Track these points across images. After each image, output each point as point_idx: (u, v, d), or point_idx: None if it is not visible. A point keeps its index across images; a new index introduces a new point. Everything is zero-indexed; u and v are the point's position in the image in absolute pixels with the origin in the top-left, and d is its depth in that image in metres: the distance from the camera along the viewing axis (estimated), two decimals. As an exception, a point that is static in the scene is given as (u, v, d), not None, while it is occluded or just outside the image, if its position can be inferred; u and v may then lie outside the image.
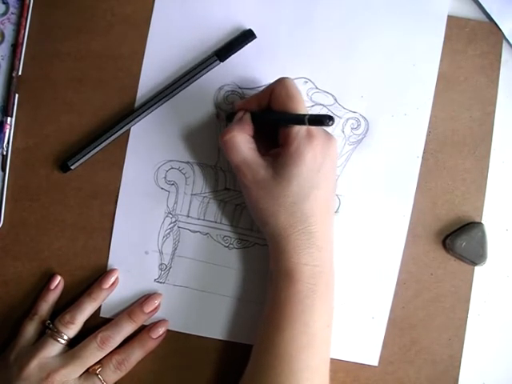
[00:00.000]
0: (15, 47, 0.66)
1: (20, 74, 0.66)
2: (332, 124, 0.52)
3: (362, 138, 0.68)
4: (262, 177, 0.59)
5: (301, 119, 0.55)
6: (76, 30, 0.67)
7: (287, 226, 0.59)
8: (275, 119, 0.60)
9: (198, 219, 0.67)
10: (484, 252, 0.67)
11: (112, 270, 0.67)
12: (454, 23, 0.68)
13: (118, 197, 0.67)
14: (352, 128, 0.68)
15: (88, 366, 0.63)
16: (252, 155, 0.60)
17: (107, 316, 0.67)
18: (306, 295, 0.59)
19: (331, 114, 0.59)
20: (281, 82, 0.60)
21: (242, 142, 0.60)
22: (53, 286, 0.66)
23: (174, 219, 0.67)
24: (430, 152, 0.68)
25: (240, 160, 0.59)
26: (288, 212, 0.58)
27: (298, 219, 0.59)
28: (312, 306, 0.59)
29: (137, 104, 0.67)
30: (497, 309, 0.68)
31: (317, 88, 0.68)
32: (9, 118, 0.66)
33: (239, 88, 0.68)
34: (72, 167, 0.66)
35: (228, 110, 0.67)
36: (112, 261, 0.67)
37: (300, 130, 0.58)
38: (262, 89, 0.64)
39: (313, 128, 0.59)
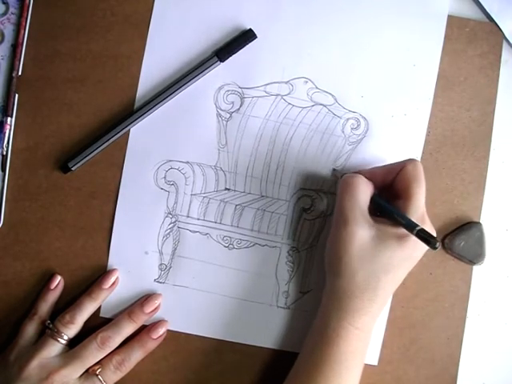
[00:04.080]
0: (15, 47, 0.66)
1: (20, 73, 0.66)
2: (437, 249, 0.55)
3: (362, 138, 0.68)
4: (362, 233, 0.59)
5: (411, 227, 0.57)
6: (76, 30, 0.67)
7: (356, 288, 0.60)
8: (388, 210, 0.61)
9: (198, 219, 0.67)
10: (482, 251, 0.67)
11: (112, 270, 0.67)
12: (454, 23, 0.68)
13: (117, 197, 0.67)
14: (352, 128, 0.68)
15: (88, 367, 0.63)
16: (364, 208, 0.61)
17: (107, 316, 0.67)
18: (346, 358, 0.60)
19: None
20: (413, 162, 0.61)
21: (362, 192, 0.61)
22: (53, 285, 0.66)
23: (173, 219, 0.67)
24: (430, 152, 0.68)
25: (351, 206, 0.60)
26: (365, 276, 0.59)
27: (370, 287, 0.60)
28: (350, 367, 0.60)
29: (136, 104, 0.67)
30: (496, 309, 0.68)
31: (317, 88, 0.68)
32: (9, 118, 0.66)
33: (239, 88, 0.68)
34: (73, 168, 0.66)
35: (228, 110, 0.67)
36: (112, 261, 0.67)
37: (414, 216, 0.59)
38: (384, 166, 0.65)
39: (426, 219, 0.60)
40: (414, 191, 0.60)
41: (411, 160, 0.61)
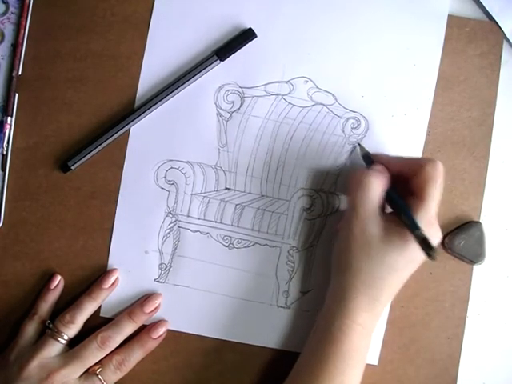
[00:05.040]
0: (15, 47, 0.66)
1: (20, 73, 0.66)
2: (432, 260, 0.55)
3: (362, 138, 0.68)
4: (371, 230, 0.59)
5: (414, 228, 0.57)
6: (76, 29, 0.67)
7: (361, 285, 0.60)
8: (398, 205, 0.61)
9: (198, 219, 0.67)
10: (482, 251, 0.67)
11: (112, 270, 0.67)
12: (454, 23, 0.68)
13: (117, 197, 0.67)
14: (352, 128, 0.68)
15: (88, 366, 0.63)
16: (375, 206, 0.60)
17: (107, 316, 0.67)
18: (350, 356, 0.60)
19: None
20: (435, 163, 0.60)
21: (374, 190, 0.60)
22: (53, 285, 0.66)
23: (174, 219, 0.67)
24: (430, 152, 0.68)
25: (362, 203, 0.60)
26: (371, 274, 0.60)
27: (375, 286, 0.60)
28: (352, 365, 0.60)
29: (136, 104, 0.67)
30: (496, 309, 0.68)
31: (317, 87, 0.68)
32: (9, 118, 0.66)
33: (239, 87, 0.68)
34: (72, 168, 0.66)
35: (228, 110, 0.67)
36: (112, 261, 0.67)
37: (424, 218, 0.59)
38: (395, 158, 0.64)
39: (434, 221, 0.60)
40: (429, 192, 0.59)
41: (432, 160, 0.60)
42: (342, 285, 0.61)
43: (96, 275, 0.67)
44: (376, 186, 0.60)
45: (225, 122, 0.67)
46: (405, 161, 0.63)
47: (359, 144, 0.67)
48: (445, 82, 0.68)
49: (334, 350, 0.60)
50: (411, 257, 0.59)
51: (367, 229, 0.60)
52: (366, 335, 0.61)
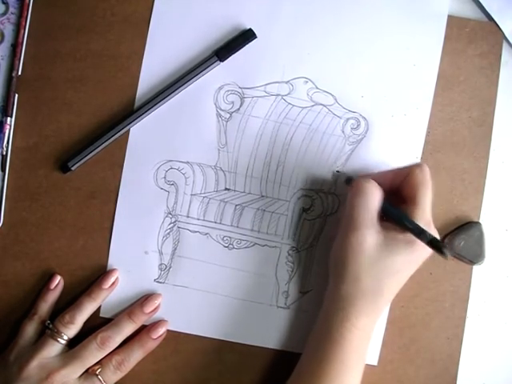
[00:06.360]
0: (15, 47, 0.66)
1: (20, 73, 0.66)
2: (446, 258, 0.54)
3: (362, 138, 0.68)
4: (370, 239, 0.59)
5: (422, 234, 0.57)
6: (76, 30, 0.67)
7: (360, 292, 0.60)
8: (396, 215, 0.60)
9: (198, 219, 0.67)
10: (482, 251, 0.67)
11: (112, 270, 0.67)
12: (454, 23, 0.68)
13: (117, 197, 0.67)
14: (352, 128, 0.68)
15: (88, 367, 0.63)
16: (373, 215, 0.60)
17: (107, 316, 0.67)
18: (349, 358, 0.60)
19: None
20: (423, 166, 0.61)
21: (374, 197, 0.60)
22: (52, 285, 0.66)
23: (173, 219, 0.67)
24: (429, 152, 0.68)
25: (362, 211, 0.60)
26: (369, 281, 0.59)
27: (374, 290, 0.60)
28: (352, 366, 0.60)
29: (136, 104, 0.67)
30: (496, 309, 0.68)
31: (317, 88, 0.68)
32: (9, 118, 0.66)
33: (239, 88, 0.68)
34: (72, 168, 0.66)
35: (228, 110, 0.67)
36: (112, 261, 0.67)
37: (421, 222, 0.59)
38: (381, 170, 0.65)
39: (431, 224, 0.60)
40: (421, 197, 0.59)
41: (418, 165, 0.61)
42: (341, 292, 0.61)
43: (96, 275, 0.67)
44: (375, 195, 0.60)
45: (224, 123, 0.67)
46: (392, 172, 0.63)
47: (337, 171, 0.67)
48: (445, 82, 0.68)
49: (334, 351, 0.60)
50: (410, 259, 0.60)
51: (365, 238, 0.59)
52: (364, 337, 0.61)
